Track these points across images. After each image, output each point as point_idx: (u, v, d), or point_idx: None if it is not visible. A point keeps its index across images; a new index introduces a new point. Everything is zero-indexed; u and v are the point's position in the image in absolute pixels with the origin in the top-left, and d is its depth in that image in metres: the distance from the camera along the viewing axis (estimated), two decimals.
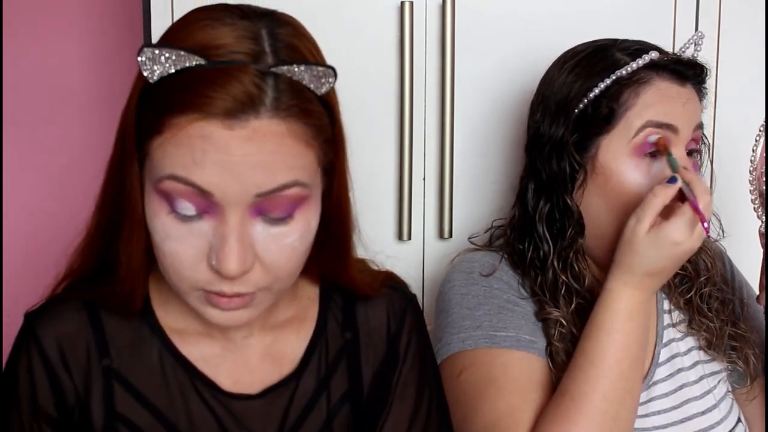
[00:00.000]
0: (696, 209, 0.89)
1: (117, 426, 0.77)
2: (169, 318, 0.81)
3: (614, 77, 0.98)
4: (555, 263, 1.00)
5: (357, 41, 1.21)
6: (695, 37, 1.05)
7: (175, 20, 1.15)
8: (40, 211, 1.53)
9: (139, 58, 0.67)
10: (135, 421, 0.77)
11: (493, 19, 1.23)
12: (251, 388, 0.81)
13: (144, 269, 0.76)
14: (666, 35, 1.25)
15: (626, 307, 0.92)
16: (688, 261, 1.05)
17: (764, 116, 1.26)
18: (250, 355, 0.82)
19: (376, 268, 0.91)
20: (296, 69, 0.68)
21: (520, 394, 0.92)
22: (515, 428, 0.89)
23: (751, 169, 1.01)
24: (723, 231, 1.12)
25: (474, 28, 1.23)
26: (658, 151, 0.96)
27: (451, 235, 1.24)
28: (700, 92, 1.02)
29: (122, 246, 0.74)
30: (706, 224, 0.90)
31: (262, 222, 0.69)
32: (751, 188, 1.01)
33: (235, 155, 0.65)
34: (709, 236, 0.93)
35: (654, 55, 0.98)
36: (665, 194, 0.91)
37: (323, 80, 0.69)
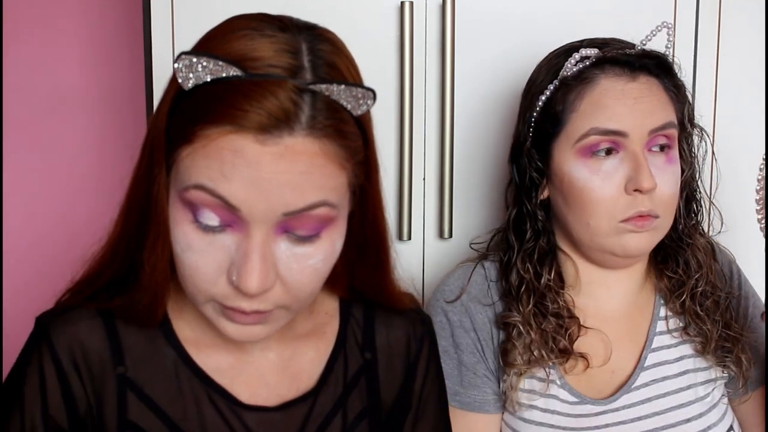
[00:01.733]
0: None
1: None
2: (185, 328, 0.80)
3: (560, 78, 0.98)
4: (518, 264, 1.02)
5: (357, 41, 1.20)
6: (659, 28, 1.02)
7: (175, 21, 1.17)
8: (40, 211, 1.53)
9: (176, 65, 0.66)
10: (148, 430, 0.76)
11: (493, 19, 1.23)
12: (268, 402, 0.80)
13: (167, 280, 0.75)
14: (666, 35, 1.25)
15: None
16: (685, 261, 1.05)
17: (764, 118, 1.26)
18: (267, 368, 0.81)
19: None
20: (335, 88, 0.66)
21: None
22: None
23: (758, 188, 0.99)
24: (722, 223, 1.11)
25: (474, 27, 1.23)
26: (612, 149, 0.95)
27: (451, 235, 1.24)
28: (666, 84, 0.98)
29: (146, 255, 0.72)
30: None
31: (287, 240, 0.68)
32: (758, 207, 0.99)
33: (265, 172, 0.64)
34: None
35: (588, 51, 0.96)
36: None
37: (361, 102, 0.68)
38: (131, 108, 1.49)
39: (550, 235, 1.03)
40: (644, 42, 1.00)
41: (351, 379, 0.83)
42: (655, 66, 0.98)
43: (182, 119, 0.67)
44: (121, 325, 0.78)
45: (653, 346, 1.03)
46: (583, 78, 0.96)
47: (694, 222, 1.06)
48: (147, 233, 0.72)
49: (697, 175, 1.06)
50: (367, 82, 1.21)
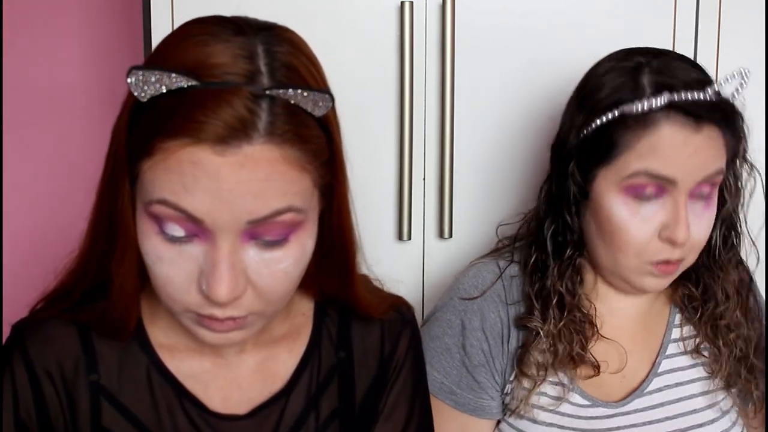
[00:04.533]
0: None
1: None
2: (159, 334, 0.80)
3: (622, 110, 0.93)
4: (555, 276, 1.00)
5: (357, 42, 1.21)
6: (741, 74, 0.97)
7: (175, 21, 1.16)
8: (40, 212, 1.53)
9: (129, 80, 0.64)
10: None
11: (493, 19, 1.23)
12: (240, 407, 0.79)
13: (137, 292, 0.75)
14: (666, 35, 1.24)
15: None
16: (704, 283, 1.04)
17: (764, 118, 1.26)
18: (241, 371, 0.81)
19: (378, 284, 0.91)
20: (291, 93, 0.65)
21: None
22: None
23: None
24: (758, 259, 1.08)
25: (474, 28, 1.23)
26: (654, 195, 0.93)
27: (451, 235, 1.24)
28: (726, 131, 0.95)
29: (114, 268, 0.72)
30: None
31: (255, 246, 0.68)
32: None
33: (226, 182, 0.63)
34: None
35: (657, 101, 0.91)
36: None
37: (321, 104, 0.67)
38: None
39: (583, 250, 1.02)
40: (721, 83, 0.95)
41: (324, 378, 0.82)
42: (722, 119, 0.94)
43: (141, 132, 0.66)
44: (95, 333, 0.78)
45: (668, 352, 1.03)
46: (645, 119, 0.92)
47: (730, 255, 1.04)
48: (115, 246, 0.71)
49: (741, 209, 1.04)
50: (367, 82, 1.21)
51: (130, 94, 0.67)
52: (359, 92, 1.21)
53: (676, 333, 1.04)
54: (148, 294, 0.78)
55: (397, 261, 1.24)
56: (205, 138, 0.63)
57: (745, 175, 1.03)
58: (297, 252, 0.70)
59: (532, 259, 1.02)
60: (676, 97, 0.91)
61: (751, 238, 1.07)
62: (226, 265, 0.66)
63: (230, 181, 0.63)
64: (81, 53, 1.53)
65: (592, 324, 1.01)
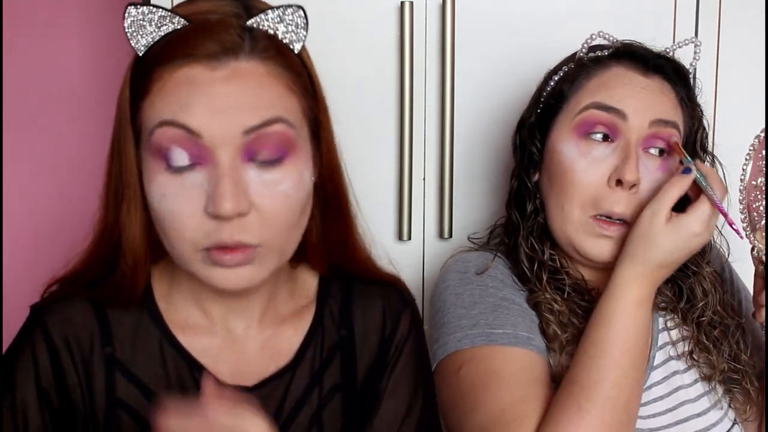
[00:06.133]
0: (714, 203, 0.89)
1: (118, 412, 0.79)
2: (171, 311, 0.83)
3: (575, 60, 1.00)
4: (523, 243, 1.01)
5: (357, 42, 1.21)
6: (690, 42, 1.02)
7: None
8: (40, 212, 1.53)
9: (125, 23, 0.72)
10: (136, 408, 0.80)
11: (493, 19, 1.23)
12: (247, 380, 0.82)
13: (145, 248, 0.78)
14: (666, 35, 1.25)
15: (636, 297, 0.92)
16: (679, 285, 1.04)
17: (764, 118, 1.26)
18: (248, 348, 0.84)
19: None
20: (269, 15, 0.73)
21: (523, 387, 0.91)
22: (521, 419, 0.88)
23: (741, 188, 0.96)
24: (729, 252, 1.09)
25: (474, 27, 1.23)
26: (608, 135, 0.95)
27: (451, 235, 1.25)
28: (679, 91, 0.99)
29: (122, 218, 0.77)
30: (726, 218, 0.89)
31: (255, 168, 0.72)
32: (741, 207, 0.96)
33: (218, 95, 0.70)
34: (736, 231, 0.92)
35: (618, 43, 0.98)
36: (681, 185, 0.91)
37: (296, 30, 0.74)
38: None
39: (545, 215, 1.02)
40: (672, 49, 1.01)
41: (326, 356, 0.85)
42: (671, 70, 0.99)
43: (139, 77, 0.73)
44: (109, 309, 0.82)
45: (659, 343, 1.03)
46: (597, 62, 0.98)
47: (700, 250, 1.01)
48: (122, 203, 0.76)
49: None
50: (367, 82, 1.22)
51: (130, 64, 0.74)
52: (359, 92, 1.22)
53: (661, 323, 1.03)
54: (160, 271, 0.83)
55: (397, 261, 1.24)
56: (197, 54, 0.71)
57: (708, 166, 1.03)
58: (295, 175, 0.74)
59: (511, 241, 1.03)
60: (625, 47, 0.99)
61: (718, 229, 1.05)
62: (228, 179, 0.70)
63: (222, 93, 0.71)
64: (81, 53, 1.53)
65: (592, 289, 1.00)
